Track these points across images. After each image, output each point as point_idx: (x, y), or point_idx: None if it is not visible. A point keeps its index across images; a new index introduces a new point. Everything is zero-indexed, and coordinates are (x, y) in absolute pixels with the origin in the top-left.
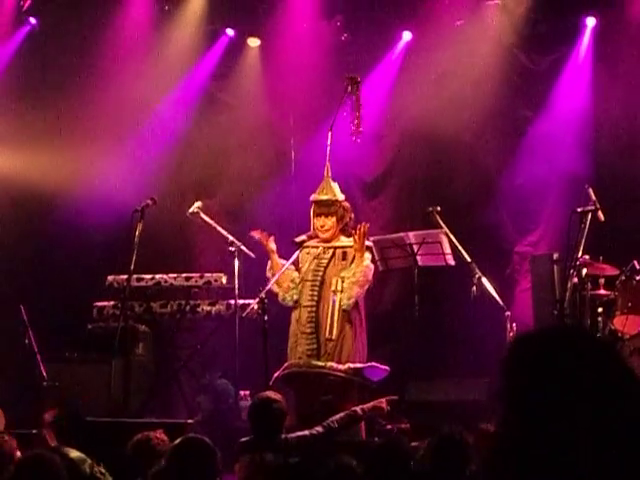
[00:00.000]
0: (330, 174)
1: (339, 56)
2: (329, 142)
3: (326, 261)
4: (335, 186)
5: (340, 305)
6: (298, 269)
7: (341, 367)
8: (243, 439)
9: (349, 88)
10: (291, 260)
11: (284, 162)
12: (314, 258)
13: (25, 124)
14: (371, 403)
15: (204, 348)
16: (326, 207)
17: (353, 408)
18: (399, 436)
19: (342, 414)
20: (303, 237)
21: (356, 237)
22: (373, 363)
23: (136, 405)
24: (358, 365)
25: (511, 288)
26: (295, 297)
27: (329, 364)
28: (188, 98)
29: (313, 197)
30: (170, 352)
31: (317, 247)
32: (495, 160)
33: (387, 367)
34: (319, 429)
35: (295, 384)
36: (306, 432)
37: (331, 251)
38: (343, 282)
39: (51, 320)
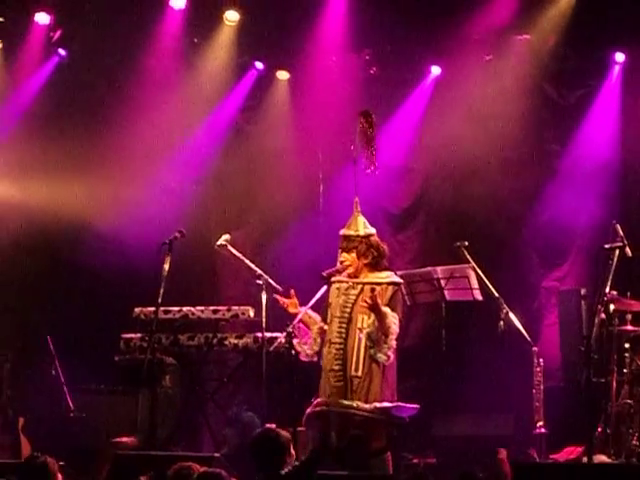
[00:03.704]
0: (359, 208)
1: (368, 89)
2: (354, 177)
3: (354, 297)
4: (360, 221)
5: (366, 345)
6: (327, 304)
7: (367, 407)
8: None
9: (362, 123)
10: (318, 295)
11: (312, 196)
12: (343, 294)
13: (54, 154)
14: None
15: (231, 381)
16: (346, 242)
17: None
18: (424, 473)
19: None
20: (330, 271)
21: (368, 300)
22: (399, 403)
23: (163, 437)
24: (385, 404)
25: (538, 323)
26: (315, 349)
27: (355, 403)
28: (217, 130)
29: (341, 232)
30: (197, 384)
31: (346, 282)
32: (523, 194)
33: (415, 405)
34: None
35: (325, 420)
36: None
37: (359, 287)
38: (369, 320)
39: (78, 351)
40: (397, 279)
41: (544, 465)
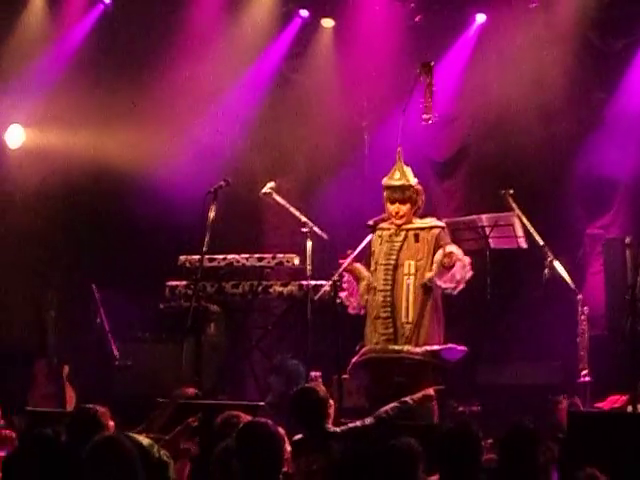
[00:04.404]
0: (402, 158)
1: (412, 38)
2: (401, 126)
3: (399, 244)
4: (408, 170)
5: (415, 286)
6: (370, 252)
7: (418, 350)
8: (296, 438)
9: (421, 74)
10: (364, 243)
11: (357, 144)
12: (386, 241)
13: (99, 103)
14: (420, 393)
15: (275, 329)
16: (400, 193)
17: (404, 399)
18: (468, 421)
19: (393, 404)
20: (377, 220)
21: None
22: (450, 345)
23: (207, 385)
24: (435, 347)
25: (582, 271)
26: (362, 304)
27: (406, 348)
28: (261, 79)
29: (386, 182)
30: (242, 332)
31: (389, 229)
32: (567, 143)
33: (464, 347)
34: (370, 420)
35: (371, 369)
36: (358, 423)
37: (403, 234)
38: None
39: (123, 299)
40: (439, 222)
41: (599, 415)
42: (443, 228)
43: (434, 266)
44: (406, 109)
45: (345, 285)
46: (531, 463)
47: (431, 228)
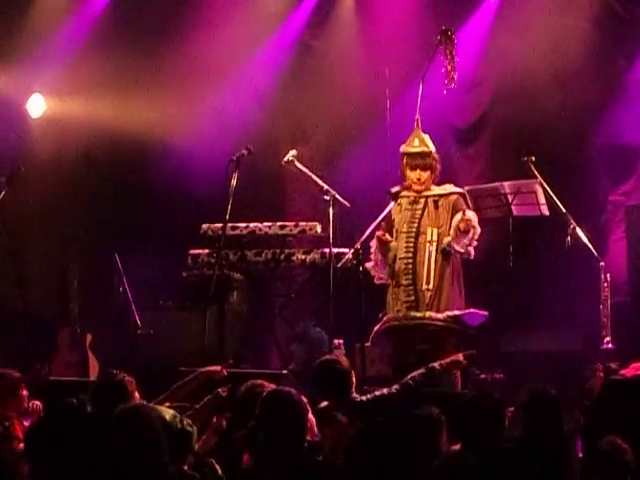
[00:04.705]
0: (420, 126)
1: (434, 3)
2: (420, 93)
3: (420, 211)
4: (426, 137)
5: (437, 253)
6: (390, 221)
7: (440, 316)
8: (320, 406)
9: (441, 41)
10: (386, 211)
11: (379, 111)
12: (406, 209)
13: (121, 71)
14: (449, 358)
15: (298, 297)
16: (421, 159)
17: (431, 365)
18: (490, 389)
19: (420, 370)
20: (397, 188)
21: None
22: (471, 309)
23: (230, 353)
24: (457, 312)
25: (605, 238)
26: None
27: (428, 314)
28: (283, 46)
29: (405, 149)
30: (264, 300)
31: (408, 197)
32: (589, 109)
33: (485, 312)
34: (397, 387)
35: (393, 337)
36: (384, 390)
37: (423, 201)
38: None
39: (146, 268)
40: (457, 189)
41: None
42: (461, 194)
43: (451, 231)
44: (425, 76)
45: (372, 256)
46: (554, 431)
47: (450, 194)
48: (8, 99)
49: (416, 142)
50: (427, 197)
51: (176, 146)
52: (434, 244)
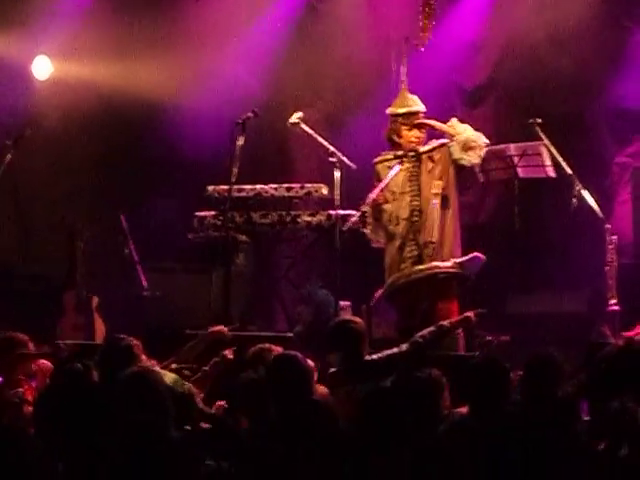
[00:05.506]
0: (407, 87)
1: None
2: (405, 53)
3: (416, 168)
4: (416, 98)
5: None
6: (385, 185)
7: (447, 264)
8: (331, 370)
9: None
10: (392, 173)
11: (385, 74)
12: (402, 170)
13: (128, 33)
14: (459, 317)
15: (304, 259)
16: (416, 118)
17: (441, 322)
18: (495, 355)
19: (430, 328)
20: (406, 151)
21: (435, 126)
22: (475, 253)
23: (236, 316)
24: (462, 258)
25: (610, 200)
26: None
27: (434, 264)
28: (289, 8)
29: (400, 110)
30: (270, 262)
31: (392, 158)
32: (595, 71)
33: (483, 256)
34: (406, 345)
35: (398, 298)
36: (395, 349)
37: (415, 160)
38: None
39: (152, 230)
40: (444, 140)
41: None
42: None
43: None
44: (409, 37)
45: (369, 220)
46: (556, 393)
47: (441, 146)
48: (14, 62)
49: (410, 102)
50: (420, 155)
51: (182, 108)
52: (439, 196)
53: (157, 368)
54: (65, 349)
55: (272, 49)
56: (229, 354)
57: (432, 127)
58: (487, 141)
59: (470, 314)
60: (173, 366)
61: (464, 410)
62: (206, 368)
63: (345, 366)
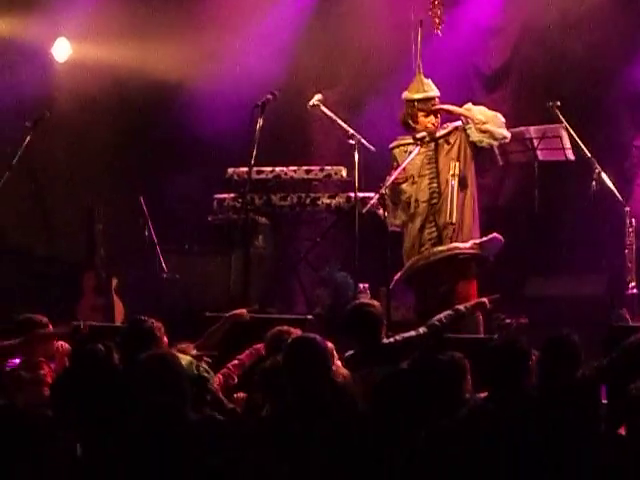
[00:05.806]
0: (423, 71)
1: None
2: (420, 38)
3: (432, 152)
4: (430, 82)
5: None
6: (403, 170)
7: (466, 245)
8: (349, 353)
9: None
10: (412, 156)
11: (405, 56)
12: (418, 154)
13: (147, 14)
14: (474, 301)
15: (323, 241)
16: (432, 104)
17: (457, 306)
18: (515, 337)
19: (446, 312)
20: (424, 134)
21: (452, 110)
22: (494, 234)
23: (255, 298)
24: (483, 239)
25: (630, 182)
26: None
27: (453, 245)
28: None
29: (417, 96)
30: (289, 245)
31: (410, 142)
32: (614, 54)
33: (501, 238)
34: (424, 329)
35: (417, 280)
36: (412, 332)
37: (433, 143)
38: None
39: (171, 212)
40: (457, 123)
41: None
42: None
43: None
44: (422, 21)
45: (387, 202)
46: (574, 375)
47: (456, 128)
48: (34, 44)
49: (426, 87)
50: (436, 138)
51: (202, 90)
52: (456, 178)
53: (193, 351)
54: (84, 330)
55: (291, 31)
56: (261, 349)
57: (449, 112)
58: (503, 120)
59: (485, 300)
60: (193, 352)
61: (484, 395)
62: (241, 357)
63: (362, 349)
